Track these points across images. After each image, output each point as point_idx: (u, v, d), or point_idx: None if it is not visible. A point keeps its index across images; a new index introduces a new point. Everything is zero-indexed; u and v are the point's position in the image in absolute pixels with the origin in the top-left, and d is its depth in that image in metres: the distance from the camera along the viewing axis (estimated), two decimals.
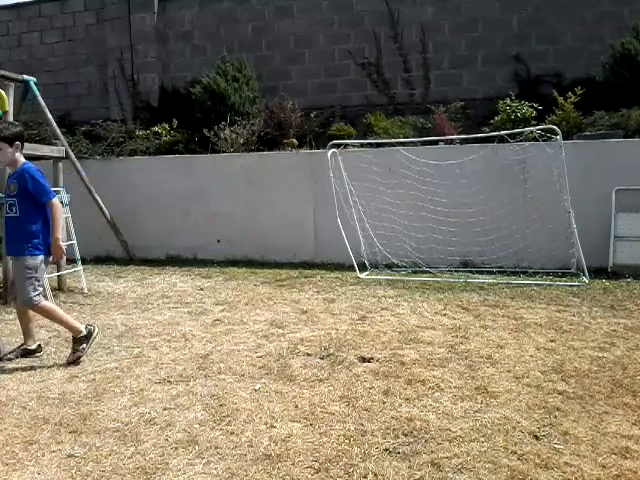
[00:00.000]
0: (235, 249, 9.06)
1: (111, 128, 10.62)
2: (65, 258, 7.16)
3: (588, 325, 4.98)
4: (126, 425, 3.15)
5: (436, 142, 8.32)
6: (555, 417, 3.13)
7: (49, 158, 7.36)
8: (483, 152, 7.66)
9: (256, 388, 3.65)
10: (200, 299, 6.44)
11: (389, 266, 7.93)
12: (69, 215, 7.06)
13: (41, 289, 4.28)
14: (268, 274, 7.86)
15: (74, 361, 4.21)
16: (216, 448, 2.87)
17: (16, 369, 4.14)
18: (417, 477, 2.56)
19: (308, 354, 4.32)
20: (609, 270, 7.20)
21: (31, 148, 7.08)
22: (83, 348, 4.27)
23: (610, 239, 7.28)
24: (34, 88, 7.53)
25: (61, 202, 6.96)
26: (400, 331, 4.89)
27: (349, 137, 9.24)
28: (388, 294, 6.47)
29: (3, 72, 6.79)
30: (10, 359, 4.29)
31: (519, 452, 2.74)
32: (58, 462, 2.77)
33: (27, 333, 4.43)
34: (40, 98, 7.63)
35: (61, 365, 4.20)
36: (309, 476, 2.60)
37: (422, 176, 7.83)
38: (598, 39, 9.95)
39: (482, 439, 2.89)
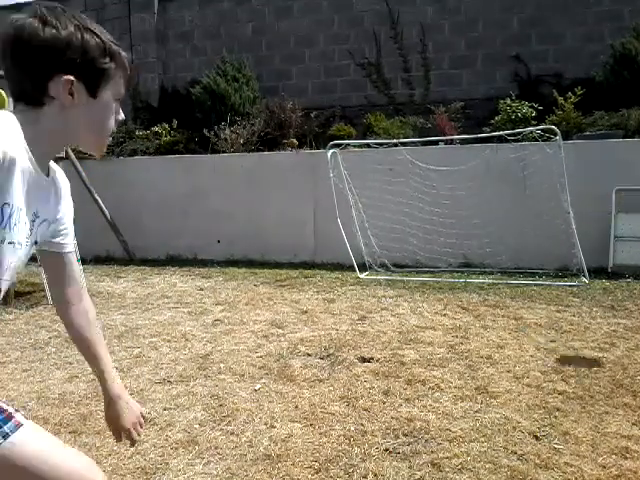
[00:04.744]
0: (235, 249, 9.06)
1: None
2: None
3: (588, 325, 4.98)
4: None
5: (436, 142, 8.32)
6: (555, 417, 3.12)
7: None
8: (483, 152, 7.66)
9: (256, 388, 3.65)
10: (200, 299, 6.43)
11: (389, 266, 7.94)
12: None
13: None
14: (268, 274, 7.86)
15: None
16: (216, 448, 2.87)
17: (16, 369, 4.14)
18: (417, 477, 2.56)
19: (308, 354, 4.32)
20: (609, 270, 7.19)
21: None
22: None
23: (610, 239, 7.27)
24: None
25: None
26: (400, 331, 4.89)
27: (349, 137, 9.24)
28: (388, 294, 6.47)
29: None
30: None
31: (519, 452, 2.74)
32: None
33: None
34: None
35: (61, 365, 4.21)
36: (309, 476, 2.60)
37: (422, 176, 7.82)
38: (598, 39, 9.95)
39: (482, 439, 2.89)
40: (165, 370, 4.05)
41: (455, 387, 3.59)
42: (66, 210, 1.50)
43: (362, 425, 3.08)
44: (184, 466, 2.71)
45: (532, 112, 8.60)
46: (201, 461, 2.75)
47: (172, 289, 7.06)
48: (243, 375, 3.91)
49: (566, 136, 7.48)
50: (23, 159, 1.20)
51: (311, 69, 11.65)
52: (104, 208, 8.94)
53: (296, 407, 3.34)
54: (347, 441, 2.90)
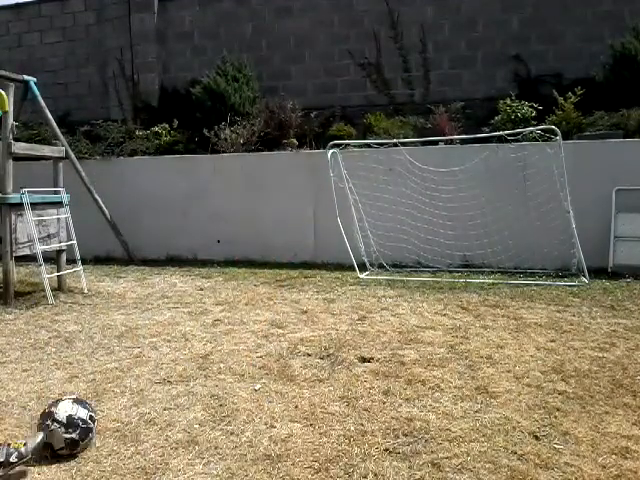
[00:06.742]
0: (235, 249, 9.06)
1: (111, 128, 10.61)
2: (65, 258, 7.18)
3: (588, 325, 4.98)
4: (126, 425, 3.15)
5: (436, 142, 8.32)
6: (555, 417, 3.13)
7: (49, 158, 7.36)
8: (483, 152, 7.66)
9: (256, 388, 3.65)
10: (200, 299, 6.43)
11: (389, 266, 7.94)
12: (69, 215, 7.07)
13: None
14: (268, 274, 7.86)
15: None
16: (216, 448, 2.87)
17: (16, 369, 4.14)
18: (417, 477, 2.56)
19: (308, 354, 4.32)
20: (609, 270, 7.20)
21: (31, 148, 7.10)
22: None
23: (610, 239, 7.28)
24: (34, 88, 7.53)
25: (61, 202, 7.01)
26: (400, 331, 4.89)
27: (349, 137, 9.24)
28: (388, 294, 6.47)
29: (3, 72, 6.79)
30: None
31: (519, 452, 2.74)
32: (58, 462, 2.77)
33: None
34: (40, 98, 7.63)
35: (61, 365, 4.20)
36: (309, 476, 2.60)
37: (422, 176, 7.83)
38: (598, 39, 9.95)
39: (482, 439, 2.89)
40: (165, 370, 4.05)
41: (455, 387, 3.59)
42: None
43: (362, 425, 3.08)
44: (184, 466, 2.71)
45: (532, 112, 8.60)
46: (201, 461, 2.75)
47: (172, 289, 7.06)
48: (243, 375, 3.91)
49: (566, 136, 7.48)
50: None
51: (311, 69, 11.65)
52: (104, 208, 8.93)
53: (296, 407, 3.34)
54: (347, 441, 2.90)
